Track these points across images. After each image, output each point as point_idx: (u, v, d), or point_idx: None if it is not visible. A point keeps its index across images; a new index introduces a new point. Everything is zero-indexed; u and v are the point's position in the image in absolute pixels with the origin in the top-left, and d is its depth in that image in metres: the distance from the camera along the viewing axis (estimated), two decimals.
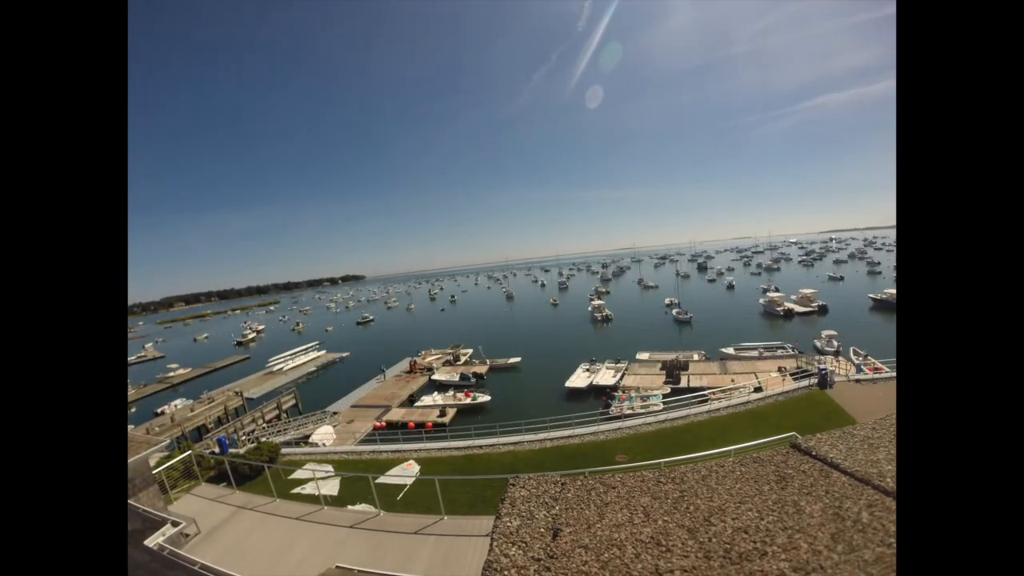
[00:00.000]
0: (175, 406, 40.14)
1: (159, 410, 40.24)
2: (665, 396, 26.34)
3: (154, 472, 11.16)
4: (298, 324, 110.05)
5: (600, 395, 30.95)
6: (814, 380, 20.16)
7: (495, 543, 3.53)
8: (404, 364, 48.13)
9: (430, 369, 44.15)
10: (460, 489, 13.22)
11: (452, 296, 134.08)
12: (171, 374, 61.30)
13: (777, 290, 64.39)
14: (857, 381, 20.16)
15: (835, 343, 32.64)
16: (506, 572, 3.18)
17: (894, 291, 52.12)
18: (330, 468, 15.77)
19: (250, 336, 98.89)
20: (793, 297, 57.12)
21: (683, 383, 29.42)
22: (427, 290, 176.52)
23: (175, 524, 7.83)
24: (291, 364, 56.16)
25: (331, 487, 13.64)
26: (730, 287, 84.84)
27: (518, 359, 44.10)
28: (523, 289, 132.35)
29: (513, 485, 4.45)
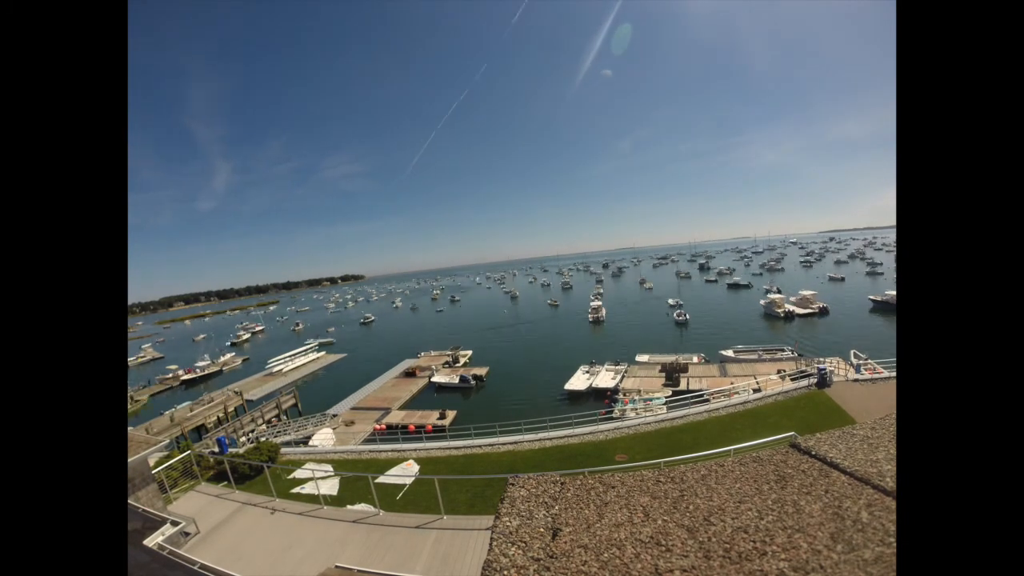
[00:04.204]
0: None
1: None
2: (667, 399, 26.32)
3: (154, 472, 11.16)
4: (297, 325, 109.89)
5: (601, 398, 30.96)
6: (813, 380, 20.17)
7: (494, 543, 3.53)
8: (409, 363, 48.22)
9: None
10: (459, 489, 13.21)
11: (453, 296, 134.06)
12: (170, 375, 61.25)
13: (779, 291, 64.42)
14: (856, 381, 20.16)
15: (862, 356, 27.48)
16: (505, 572, 3.18)
17: (894, 292, 52.14)
18: (329, 468, 15.76)
19: (244, 337, 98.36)
20: (792, 298, 57.11)
21: (682, 385, 29.41)
22: (428, 289, 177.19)
23: (175, 524, 7.83)
24: (291, 365, 56.17)
25: (330, 487, 13.63)
26: (735, 287, 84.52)
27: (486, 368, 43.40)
28: (523, 289, 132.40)
29: (512, 485, 4.44)
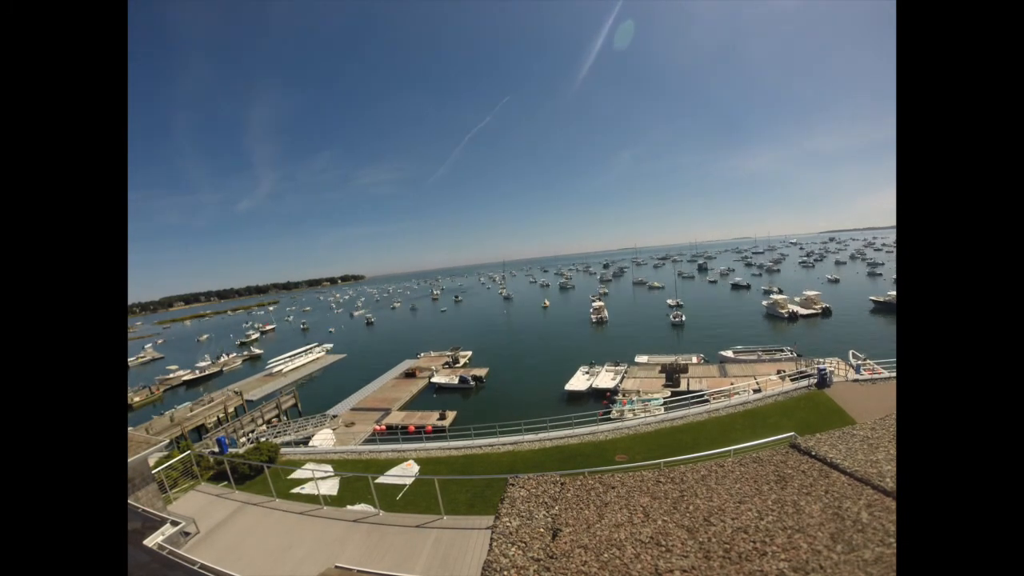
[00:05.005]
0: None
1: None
2: (666, 400, 26.29)
3: (154, 472, 11.15)
4: (304, 325, 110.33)
5: (601, 399, 30.97)
6: (813, 380, 20.16)
7: (494, 543, 3.53)
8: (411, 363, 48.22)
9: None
10: (459, 489, 13.20)
11: (457, 296, 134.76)
12: (171, 376, 61.23)
13: (780, 291, 64.43)
14: (856, 381, 20.15)
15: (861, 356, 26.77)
16: (505, 572, 3.18)
17: (894, 293, 52.18)
18: (329, 468, 15.75)
19: (254, 336, 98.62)
20: (796, 299, 57.09)
21: (682, 386, 29.39)
22: (428, 290, 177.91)
23: (175, 524, 7.82)
24: (291, 366, 56.15)
25: (330, 487, 13.63)
26: (736, 287, 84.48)
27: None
28: (523, 290, 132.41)
29: (512, 485, 4.44)
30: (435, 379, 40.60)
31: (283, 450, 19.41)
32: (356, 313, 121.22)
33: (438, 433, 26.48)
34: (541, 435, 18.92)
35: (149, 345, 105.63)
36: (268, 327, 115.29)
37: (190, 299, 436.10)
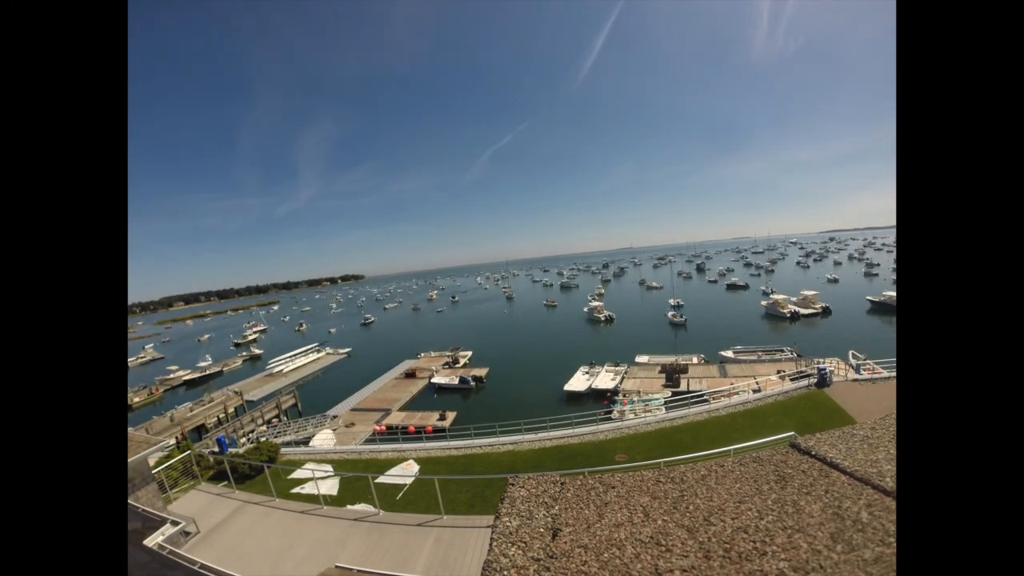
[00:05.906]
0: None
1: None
2: (666, 400, 26.26)
3: (154, 472, 11.16)
4: (301, 325, 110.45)
5: (600, 399, 30.94)
6: (813, 380, 20.16)
7: (495, 543, 3.53)
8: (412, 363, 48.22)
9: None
10: (459, 489, 13.20)
11: (454, 296, 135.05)
12: (171, 376, 61.16)
13: (776, 293, 64.47)
14: (856, 381, 20.14)
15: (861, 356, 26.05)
16: (506, 572, 3.18)
17: (890, 293, 52.14)
18: (329, 468, 15.75)
19: (251, 337, 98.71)
20: (795, 299, 57.04)
21: (682, 386, 29.37)
22: (427, 291, 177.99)
23: (175, 524, 7.83)
24: (291, 366, 56.11)
25: (330, 487, 13.63)
26: (732, 287, 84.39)
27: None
28: (524, 290, 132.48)
29: (512, 485, 4.45)
30: (435, 379, 40.56)
31: (283, 450, 19.41)
32: (360, 302, 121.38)
33: (438, 433, 26.48)
34: (541, 435, 18.92)
35: (149, 345, 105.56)
36: (260, 327, 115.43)
37: (190, 299, 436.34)
